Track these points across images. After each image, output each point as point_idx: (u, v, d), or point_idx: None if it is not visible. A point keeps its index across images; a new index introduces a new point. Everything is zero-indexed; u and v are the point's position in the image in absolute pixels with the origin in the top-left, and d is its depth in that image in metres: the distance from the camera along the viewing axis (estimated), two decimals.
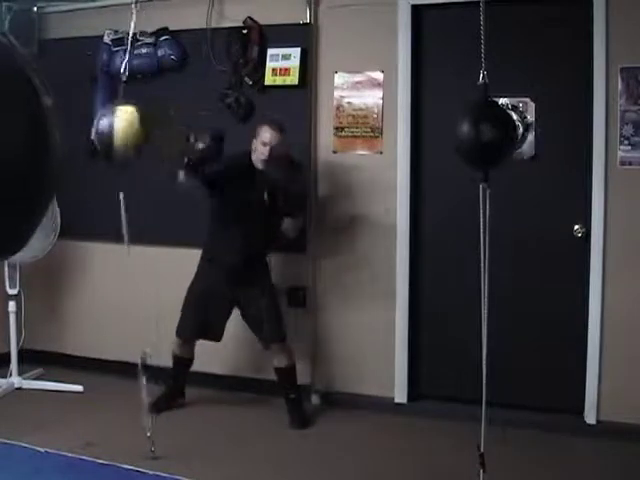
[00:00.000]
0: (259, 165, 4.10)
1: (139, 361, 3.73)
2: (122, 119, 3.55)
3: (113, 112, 3.57)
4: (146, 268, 4.95)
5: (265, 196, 4.12)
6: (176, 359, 4.39)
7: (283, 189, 4.11)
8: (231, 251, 4.14)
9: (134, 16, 3.84)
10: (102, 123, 3.58)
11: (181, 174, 3.96)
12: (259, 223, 4.15)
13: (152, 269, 4.94)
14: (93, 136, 3.66)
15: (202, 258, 4.30)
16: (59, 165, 1.18)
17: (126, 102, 3.60)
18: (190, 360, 4.40)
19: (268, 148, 4.06)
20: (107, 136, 3.53)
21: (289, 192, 4.13)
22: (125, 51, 4.81)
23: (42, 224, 1.14)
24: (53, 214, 4.74)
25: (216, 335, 4.28)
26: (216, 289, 4.20)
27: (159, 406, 4.20)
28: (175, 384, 4.44)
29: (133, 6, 3.80)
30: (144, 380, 3.68)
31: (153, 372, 3.86)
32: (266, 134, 4.08)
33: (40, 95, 1.12)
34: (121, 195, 3.72)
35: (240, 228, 4.12)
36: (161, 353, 4.51)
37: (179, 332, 4.30)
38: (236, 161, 4.13)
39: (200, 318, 4.24)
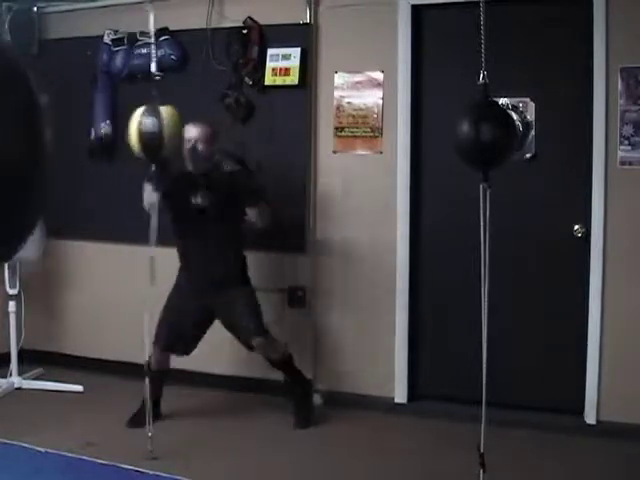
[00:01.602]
0: (190, 167, 4.04)
1: (144, 365, 3.73)
2: (168, 119, 3.55)
3: (155, 112, 3.54)
4: (146, 268, 4.95)
5: (200, 199, 4.02)
6: (149, 366, 3.96)
7: (226, 182, 4.03)
8: (202, 255, 4.08)
9: (151, 15, 3.83)
10: (147, 122, 3.54)
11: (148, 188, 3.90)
12: (218, 227, 4.06)
13: (152, 269, 4.94)
14: (134, 135, 3.59)
15: (178, 270, 4.23)
16: (50, 166, 1.18)
17: (161, 102, 3.59)
18: (163, 370, 4.17)
19: (190, 145, 3.98)
20: (156, 135, 3.51)
21: (236, 183, 4.04)
22: (126, 51, 4.84)
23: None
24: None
25: (184, 350, 4.16)
26: (192, 302, 4.11)
27: (134, 421, 4.05)
28: (150, 395, 3.91)
29: (149, 5, 3.80)
30: (148, 383, 3.69)
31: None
32: (187, 132, 3.97)
33: (34, 93, 1.11)
34: (155, 197, 3.70)
35: (199, 239, 4.07)
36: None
37: (155, 341, 4.10)
38: (174, 172, 4.01)
39: (176, 332, 4.13)
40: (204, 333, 4.20)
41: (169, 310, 4.16)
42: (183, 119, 3.72)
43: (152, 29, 3.94)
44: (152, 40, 4.02)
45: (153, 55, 4.05)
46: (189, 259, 4.17)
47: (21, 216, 1.12)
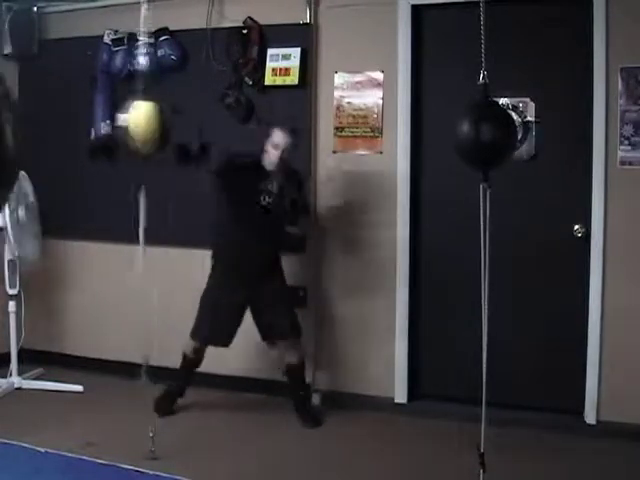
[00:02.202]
0: (268, 167, 4.08)
1: (142, 364, 3.73)
2: (137, 114, 3.56)
3: (132, 107, 3.58)
4: (147, 268, 4.95)
5: (266, 199, 4.07)
6: (186, 359, 4.33)
7: (288, 196, 4.08)
8: (244, 251, 4.15)
9: (142, 14, 3.83)
10: (120, 117, 3.65)
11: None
12: (269, 222, 4.12)
13: (153, 269, 4.94)
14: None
15: (215, 259, 4.27)
16: (13, 164, 1.19)
17: (147, 98, 3.60)
18: (199, 362, 4.36)
19: (279, 151, 4.04)
20: (123, 130, 3.57)
21: (292, 200, 4.10)
22: (126, 51, 4.83)
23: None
24: (33, 216, 4.78)
25: (226, 342, 4.25)
26: (231, 294, 4.17)
27: (161, 407, 4.16)
28: (178, 385, 4.39)
29: (144, 6, 3.80)
30: (146, 381, 3.69)
31: (156, 373, 3.88)
32: (277, 136, 4.06)
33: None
34: (141, 193, 3.74)
35: (251, 228, 4.12)
36: (164, 353, 4.52)
37: (193, 335, 4.26)
38: (247, 160, 4.11)
39: (217, 325, 4.21)
40: (240, 324, 4.24)
41: (208, 304, 4.22)
42: (164, 115, 3.67)
43: (142, 25, 3.94)
44: (146, 39, 4.05)
45: (142, 52, 4.27)
46: (235, 245, 4.20)
47: None
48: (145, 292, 4.98)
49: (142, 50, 4.70)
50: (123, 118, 3.61)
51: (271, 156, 4.06)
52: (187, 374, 4.39)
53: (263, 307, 4.20)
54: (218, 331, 4.21)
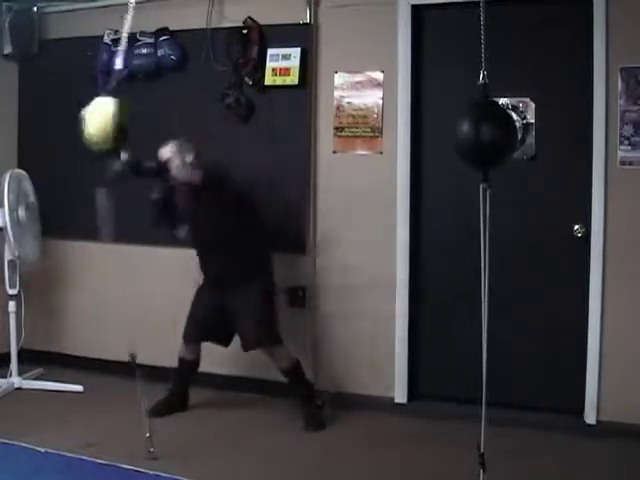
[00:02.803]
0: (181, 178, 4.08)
1: (129, 361, 3.75)
2: (92, 111, 3.64)
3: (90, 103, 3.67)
4: (146, 268, 4.96)
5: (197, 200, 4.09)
6: (180, 361, 4.36)
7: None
8: (210, 265, 4.24)
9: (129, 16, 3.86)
10: (82, 113, 3.71)
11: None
12: (217, 228, 4.09)
13: (152, 269, 4.95)
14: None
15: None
16: None
17: (108, 95, 3.64)
18: (195, 363, 4.37)
19: (174, 162, 4.05)
20: (80, 126, 3.65)
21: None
22: (124, 51, 4.83)
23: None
24: (33, 216, 4.78)
25: (221, 340, 4.31)
26: (211, 299, 4.24)
27: (157, 411, 4.12)
28: (177, 388, 4.39)
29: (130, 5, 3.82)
30: (140, 380, 3.69)
31: (150, 371, 3.89)
32: (164, 153, 4.07)
33: None
34: (101, 192, 3.78)
35: (204, 240, 4.19)
36: (168, 353, 4.53)
37: (184, 336, 4.32)
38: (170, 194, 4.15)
39: (203, 325, 4.28)
40: (233, 328, 4.25)
41: (195, 306, 4.31)
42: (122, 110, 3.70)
43: (128, 24, 3.98)
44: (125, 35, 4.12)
45: (121, 49, 4.31)
46: (201, 259, 4.29)
47: None
48: (145, 292, 5.00)
49: (143, 51, 4.73)
50: (82, 113, 3.68)
51: (173, 169, 4.05)
52: (181, 376, 4.40)
53: (235, 317, 4.20)
54: (204, 331, 4.28)
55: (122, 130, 3.67)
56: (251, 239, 4.18)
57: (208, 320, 4.26)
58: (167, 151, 4.07)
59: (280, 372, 4.26)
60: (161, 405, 4.25)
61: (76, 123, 4.92)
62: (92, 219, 5.02)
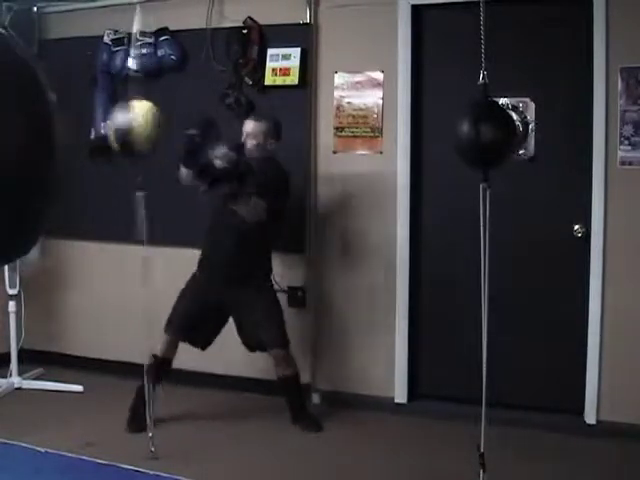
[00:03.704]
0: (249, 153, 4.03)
1: (146, 364, 3.71)
2: (140, 114, 3.57)
3: (130, 107, 3.59)
4: (146, 268, 4.95)
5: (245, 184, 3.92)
6: (156, 359, 4.02)
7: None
8: (220, 249, 4.07)
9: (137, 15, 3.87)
10: (119, 118, 3.61)
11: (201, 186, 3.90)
12: (245, 229, 3.98)
13: (152, 269, 4.94)
14: (108, 132, 3.67)
15: (198, 262, 4.22)
16: (62, 166, 1.15)
17: (140, 98, 3.62)
18: (168, 362, 4.11)
19: (251, 139, 4.05)
20: (125, 131, 3.54)
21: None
22: (125, 51, 4.83)
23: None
24: None
25: (202, 342, 4.16)
26: (208, 294, 4.08)
27: (132, 426, 3.99)
28: (141, 389, 3.93)
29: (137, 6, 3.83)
30: (148, 382, 3.69)
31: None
32: (248, 125, 4.09)
33: (45, 91, 1.09)
34: (140, 194, 3.73)
35: (223, 232, 4.06)
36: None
37: (167, 328, 4.11)
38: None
39: (189, 319, 4.11)
40: (220, 329, 4.18)
41: (184, 299, 4.14)
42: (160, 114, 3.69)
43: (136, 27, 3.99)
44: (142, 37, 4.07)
45: (132, 53, 4.35)
46: (209, 251, 4.17)
47: (36, 213, 1.12)
48: (146, 292, 4.99)
49: (143, 51, 4.73)
50: (123, 118, 3.61)
51: (246, 145, 4.04)
52: (153, 370, 3.89)
53: (246, 318, 4.12)
54: (188, 327, 4.11)
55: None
56: (270, 241, 4.17)
57: (197, 317, 4.11)
58: (253, 125, 4.07)
59: (281, 379, 4.18)
60: (133, 418, 4.03)
61: (76, 123, 4.97)
62: (92, 219, 5.03)
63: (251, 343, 4.21)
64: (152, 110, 3.61)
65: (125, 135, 3.55)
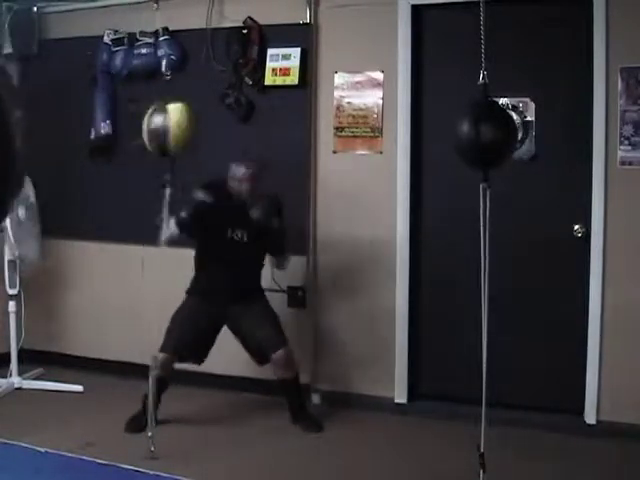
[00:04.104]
0: (243, 197, 4.08)
1: (150, 365, 3.71)
2: (176, 115, 3.62)
3: (165, 109, 3.63)
4: (146, 268, 4.96)
5: (239, 234, 4.09)
6: (152, 378, 3.92)
7: (265, 227, 4.06)
8: (220, 287, 4.08)
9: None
10: (155, 120, 3.66)
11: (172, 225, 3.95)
12: (248, 256, 4.13)
13: (152, 269, 4.95)
14: (144, 133, 3.70)
15: (189, 292, 4.18)
16: (18, 169, 1.20)
17: (173, 99, 3.66)
18: (165, 381, 4.01)
19: (244, 184, 4.06)
20: (162, 132, 3.60)
21: (271, 230, 4.08)
22: (125, 51, 4.83)
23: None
24: (33, 216, 4.77)
25: (197, 359, 4.15)
26: (200, 312, 4.10)
27: (135, 425, 3.99)
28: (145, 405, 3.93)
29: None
30: (152, 383, 3.69)
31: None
32: (236, 171, 4.08)
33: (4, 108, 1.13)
34: (167, 191, 3.76)
35: (228, 263, 4.08)
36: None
37: (163, 348, 4.05)
38: (218, 194, 4.06)
39: (188, 342, 4.09)
40: (213, 343, 4.17)
41: (179, 320, 4.12)
42: (194, 114, 3.76)
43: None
44: (151, 40, 4.07)
45: (160, 54, 4.49)
46: (211, 277, 4.14)
47: None
48: (146, 292, 5.00)
49: (143, 51, 4.75)
50: (157, 120, 3.64)
51: (235, 190, 4.08)
52: (155, 396, 3.90)
53: (246, 331, 4.12)
54: (184, 348, 4.07)
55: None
56: (263, 261, 4.25)
57: (194, 338, 4.09)
58: (243, 171, 4.08)
59: (281, 381, 4.17)
60: (134, 420, 4.03)
61: (76, 123, 4.97)
62: (92, 219, 5.03)
63: (255, 353, 4.20)
64: (186, 111, 3.65)
65: (161, 137, 3.62)
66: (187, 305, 4.16)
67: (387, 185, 4.41)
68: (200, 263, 4.21)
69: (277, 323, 4.18)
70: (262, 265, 4.25)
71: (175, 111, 3.64)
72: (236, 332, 4.18)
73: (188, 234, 4.04)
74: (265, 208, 4.04)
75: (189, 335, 4.10)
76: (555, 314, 4.21)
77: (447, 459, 3.74)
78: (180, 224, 3.92)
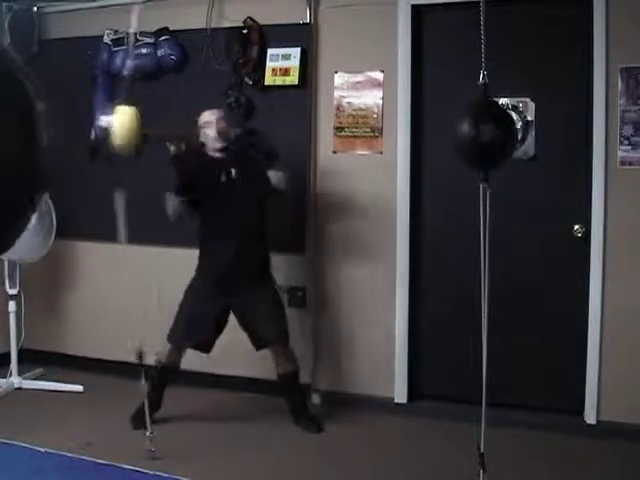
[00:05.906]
0: (216, 154, 4.06)
1: (136, 357, 3.71)
2: (120, 119, 3.63)
3: (113, 112, 3.66)
4: (146, 268, 4.95)
5: (233, 174, 4.04)
6: (162, 367, 4.14)
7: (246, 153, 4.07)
8: (221, 255, 4.02)
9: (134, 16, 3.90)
10: (101, 121, 3.76)
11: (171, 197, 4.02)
12: (248, 219, 4.04)
13: (152, 269, 4.95)
14: (93, 135, 3.76)
15: (196, 270, 4.17)
16: (46, 166, 1.18)
17: (126, 102, 3.66)
18: (175, 369, 4.15)
19: (214, 128, 4.05)
20: (105, 134, 3.65)
21: (267, 152, 4.08)
22: (125, 51, 4.83)
23: (39, 225, 1.15)
24: (48, 215, 4.75)
25: (206, 346, 4.14)
26: (209, 300, 4.06)
27: (139, 419, 3.95)
28: (155, 394, 4.08)
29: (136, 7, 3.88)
30: (144, 377, 3.69)
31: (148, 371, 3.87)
32: (204, 116, 4.08)
33: (31, 98, 1.12)
34: (119, 194, 3.77)
35: (229, 231, 4.02)
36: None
37: (170, 338, 4.11)
38: (197, 163, 4.06)
39: (195, 329, 4.09)
40: (222, 330, 4.16)
41: (186, 308, 4.11)
42: (140, 117, 3.73)
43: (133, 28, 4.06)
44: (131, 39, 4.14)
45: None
46: (211, 255, 4.11)
47: (18, 210, 1.13)
48: (146, 292, 5.00)
49: (143, 51, 4.74)
50: (106, 121, 3.73)
51: (210, 136, 4.05)
52: (160, 378, 4.12)
53: (249, 316, 4.10)
54: (193, 336, 4.09)
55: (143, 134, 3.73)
56: (268, 241, 4.16)
57: (202, 324, 4.08)
58: (208, 115, 4.08)
59: (281, 376, 4.19)
60: (140, 413, 3.97)
61: (76, 123, 4.97)
62: (92, 219, 5.03)
63: (254, 341, 4.20)
64: (131, 115, 3.66)
65: (104, 137, 3.71)
66: (194, 291, 4.12)
67: (387, 185, 4.41)
68: (201, 235, 4.15)
69: (281, 316, 4.16)
70: (265, 210, 4.13)
71: (121, 112, 3.67)
72: (240, 319, 4.15)
73: (189, 197, 4.04)
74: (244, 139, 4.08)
75: (194, 328, 4.08)
76: (555, 314, 4.21)
77: (447, 459, 3.74)
78: (177, 192, 4.00)
